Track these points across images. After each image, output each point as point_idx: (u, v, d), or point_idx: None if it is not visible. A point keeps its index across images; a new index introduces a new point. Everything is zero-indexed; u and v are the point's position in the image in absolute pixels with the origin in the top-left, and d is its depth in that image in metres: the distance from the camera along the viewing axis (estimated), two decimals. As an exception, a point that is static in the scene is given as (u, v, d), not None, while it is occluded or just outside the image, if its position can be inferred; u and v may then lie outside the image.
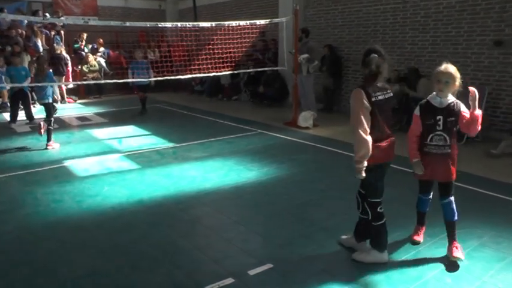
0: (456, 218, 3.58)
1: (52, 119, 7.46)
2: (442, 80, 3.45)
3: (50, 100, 7.44)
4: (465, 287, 3.16)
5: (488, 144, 7.14)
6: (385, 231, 3.49)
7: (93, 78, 13.25)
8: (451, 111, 3.44)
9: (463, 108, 3.42)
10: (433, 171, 3.60)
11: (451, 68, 3.48)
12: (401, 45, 9.52)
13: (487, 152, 6.77)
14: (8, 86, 10.17)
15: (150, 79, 10.12)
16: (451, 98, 3.46)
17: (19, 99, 8.88)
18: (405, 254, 3.63)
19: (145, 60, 10.40)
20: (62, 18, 13.66)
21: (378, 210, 3.44)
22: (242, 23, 9.33)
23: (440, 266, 3.43)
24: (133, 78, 10.01)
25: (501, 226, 4.16)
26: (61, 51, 12.76)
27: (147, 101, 10.84)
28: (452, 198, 3.58)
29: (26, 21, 13.20)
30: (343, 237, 3.83)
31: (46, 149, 7.29)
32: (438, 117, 3.47)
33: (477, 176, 5.75)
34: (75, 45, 14.53)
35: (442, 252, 3.65)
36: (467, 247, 3.73)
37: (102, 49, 14.72)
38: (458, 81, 3.45)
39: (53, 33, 13.63)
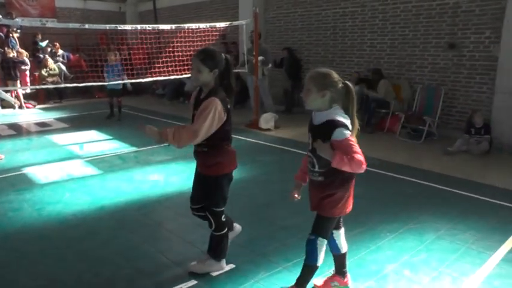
0: (317, 263, 2.87)
1: None
2: (304, 87, 2.75)
3: None
4: (423, 278, 3.28)
5: (444, 142, 7.41)
6: (227, 241, 3.38)
7: (52, 83, 12.94)
8: (320, 132, 2.68)
9: (337, 135, 2.57)
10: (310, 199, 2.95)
11: (314, 72, 2.72)
12: (360, 48, 9.75)
13: (443, 149, 7.01)
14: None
15: (120, 82, 9.73)
16: (329, 115, 2.65)
17: None
18: (365, 249, 3.73)
19: (119, 63, 10.06)
20: (17, 19, 13.29)
21: (222, 219, 3.28)
22: (202, 25, 9.34)
23: (400, 260, 3.54)
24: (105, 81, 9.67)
25: (456, 219, 4.34)
26: (14, 55, 12.38)
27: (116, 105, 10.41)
28: (318, 239, 2.83)
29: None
30: (193, 263, 3.42)
31: None
32: (309, 135, 2.87)
33: (435, 172, 5.96)
34: (40, 44, 14.14)
35: (401, 246, 3.77)
36: (425, 240, 3.87)
37: (61, 52, 14.36)
38: (327, 90, 2.63)
39: (11, 34, 13.23)
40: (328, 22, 10.36)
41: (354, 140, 2.63)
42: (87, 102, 13.64)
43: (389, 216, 4.44)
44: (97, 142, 8.14)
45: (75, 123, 10.11)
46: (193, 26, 9.35)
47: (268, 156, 7.00)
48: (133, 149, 7.50)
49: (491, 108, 7.51)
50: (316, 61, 10.75)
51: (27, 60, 12.71)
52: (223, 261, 3.39)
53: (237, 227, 3.71)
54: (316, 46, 10.75)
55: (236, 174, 5.81)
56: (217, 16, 13.23)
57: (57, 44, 14.41)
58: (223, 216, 3.29)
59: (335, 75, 2.69)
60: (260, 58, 9.19)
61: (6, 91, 11.38)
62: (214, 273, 3.34)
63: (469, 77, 7.97)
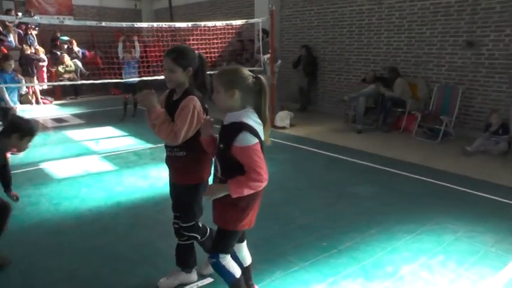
0: (236, 276, 2.60)
1: None
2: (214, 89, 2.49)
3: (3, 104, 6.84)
4: (440, 280, 3.23)
5: (461, 142, 7.30)
6: (194, 250, 3.20)
7: (69, 79, 13.06)
8: (224, 135, 2.44)
9: (240, 139, 2.31)
10: None
11: (221, 70, 2.49)
12: (376, 46, 9.65)
13: (462, 149, 6.92)
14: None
15: (134, 79, 9.67)
16: (237, 117, 2.38)
17: None
18: (381, 250, 3.69)
19: (134, 60, 10.07)
20: (36, 17, 13.46)
21: (201, 227, 3.11)
22: (218, 23, 9.32)
23: (417, 261, 3.50)
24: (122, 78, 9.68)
25: (475, 221, 4.26)
26: (34, 52, 12.55)
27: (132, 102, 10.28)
28: (220, 258, 2.54)
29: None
30: (162, 280, 3.24)
31: None
32: (216, 135, 2.62)
33: (451, 172, 5.88)
34: (62, 38, 14.31)
35: (418, 247, 3.72)
36: (442, 242, 3.82)
37: (76, 49, 14.49)
38: (236, 89, 2.36)
39: (28, 32, 13.39)
40: (345, 20, 10.28)
41: (258, 150, 2.35)
42: (103, 99, 13.75)
43: (405, 216, 4.39)
44: (113, 138, 8.20)
45: (91, 119, 10.20)
46: (210, 23, 9.34)
47: (283, 154, 6.98)
48: (149, 145, 7.53)
49: (511, 107, 7.38)
50: (332, 59, 10.69)
51: (44, 57, 12.86)
52: (194, 272, 3.27)
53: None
54: (332, 44, 10.67)
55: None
56: (232, 14, 13.21)
57: (74, 41, 14.55)
58: (198, 222, 3.06)
59: (244, 71, 2.42)
60: (267, 56, 9.13)
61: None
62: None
63: (488, 76, 7.85)
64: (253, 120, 2.38)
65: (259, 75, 2.43)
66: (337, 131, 8.66)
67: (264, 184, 2.37)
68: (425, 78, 8.79)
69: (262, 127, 2.44)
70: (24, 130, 3.50)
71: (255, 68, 9.49)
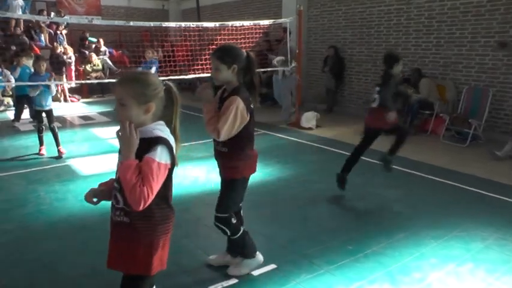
0: None
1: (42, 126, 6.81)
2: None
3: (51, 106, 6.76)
4: (469, 289, 3.15)
5: (491, 146, 7.12)
6: (249, 237, 3.22)
7: (96, 78, 13.26)
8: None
9: (155, 151, 1.91)
10: None
11: (128, 80, 2.04)
12: (405, 47, 9.51)
13: (491, 153, 6.74)
14: (9, 86, 10.29)
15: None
16: (149, 132, 1.98)
17: (24, 98, 8.95)
18: (408, 255, 3.61)
19: (155, 59, 10.14)
20: (66, 17, 13.73)
21: (232, 222, 3.10)
22: (246, 23, 9.32)
23: (444, 268, 3.41)
24: None
25: (505, 228, 4.13)
26: (63, 51, 12.80)
27: None
28: None
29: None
30: (211, 257, 3.44)
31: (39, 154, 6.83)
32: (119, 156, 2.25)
33: (480, 177, 5.74)
34: (90, 39, 14.56)
35: (446, 254, 3.63)
36: (471, 249, 3.72)
37: (104, 48, 14.72)
38: (152, 104, 1.98)
39: (58, 32, 13.68)
40: (373, 20, 10.16)
41: (161, 171, 1.91)
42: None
43: (433, 221, 4.29)
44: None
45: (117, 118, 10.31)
46: (237, 23, 9.35)
47: (310, 155, 6.93)
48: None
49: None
50: (359, 60, 10.58)
51: (72, 56, 13.11)
52: (258, 255, 3.31)
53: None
54: (359, 45, 10.57)
55: (277, 172, 5.90)
56: (259, 14, 13.20)
57: (101, 40, 14.78)
58: (232, 219, 3.10)
59: (155, 79, 2.04)
60: (279, 58, 9.04)
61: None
62: (256, 273, 3.31)
63: (521, 78, 7.65)
64: (168, 135, 2.00)
65: (169, 83, 2.08)
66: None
67: (140, 206, 1.86)
68: (453, 80, 8.62)
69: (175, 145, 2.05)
70: None
71: (283, 68, 9.40)
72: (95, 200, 2.20)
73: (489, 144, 7.31)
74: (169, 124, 2.06)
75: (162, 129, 2.00)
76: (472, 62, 8.30)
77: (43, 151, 6.84)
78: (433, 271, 3.37)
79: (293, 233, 4.03)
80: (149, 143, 1.93)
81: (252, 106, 2.94)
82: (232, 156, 2.99)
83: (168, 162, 1.96)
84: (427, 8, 8.99)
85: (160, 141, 1.94)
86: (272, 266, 3.40)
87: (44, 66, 6.76)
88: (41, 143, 6.87)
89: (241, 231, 3.16)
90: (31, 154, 6.87)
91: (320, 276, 3.28)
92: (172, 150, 1.98)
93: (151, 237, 2.04)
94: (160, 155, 1.91)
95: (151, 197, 1.88)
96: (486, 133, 7.83)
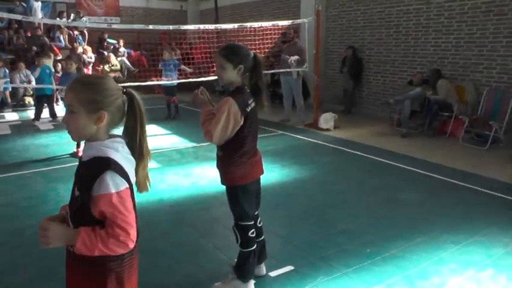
0: None
1: None
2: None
3: None
4: (490, 294, 3.10)
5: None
6: (254, 260, 3.03)
7: (114, 78, 13.38)
8: (82, 176, 1.72)
9: (100, 185, 1.59)
10: None
11: (78, 83, 1.69)
12: (424, 47, 9.41)
13: (512, 157, 6.63)
14: (30, 86, 10.48)
15: (174, 81, 9.65)
16: (100, 150, 1.67)
17: (44, 98, 9.19)
18: (427, 260, 3.56)
19: (175, 58, 10.12)
20: (84, 19, 13.91)
21: (249, 234, 2.97)
22: (265, 24, 9.30)
23: (464, 274, 3.36)
24: (161, 79, 9.77)
25: (527, 233, 4.06)
26: (83, 51, 12.97)
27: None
28: None
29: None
30: (217, 284, 3.16)
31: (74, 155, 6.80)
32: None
33: (501, 181, 5.63)
34: (109, 40, 14.74)
35: (465, 259, 3.58)
36: (492, 255, 3.66)
37: (122, 49, 14.87)
38: (104, 110, 1.66)
39: (76, 33, 13.87)
40: (392, 20, 10.07)
41: (126, 199, 1.64)
42: (147, 97, 13.94)
43: (452, 226, 4.23)
44: (156, 136, 8.32)
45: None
46: (256, 24, 9.34)
47: (327, 156, 6.91)
48: (192, 144, 7.62)
49: None
50: (377, 60, 10.49)
51: (92, 56, 13.29)
52: (251, 283, 3.07)
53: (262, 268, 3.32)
54: (378, 45, 10.48)
55: (294, 173, 5.89)
56: (278, 14, 13.18)
57: (121, 41, 14.93)
58: (250, 231, 2.96)
59: (112, 84, 1.72)
60: (295, 58, 9.01)
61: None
62: (273, 274, 3.31)
63: (544, 79, 7.50)
64: (123, 156, 1.69)
65: (131, 90, 1.77)
66: (382, 135, 8.49)
67: (130, 246, 1.65)
68: (473, 81, 8.49)
69: (134, 165, 1.75)
70: None
71: (301, 69, 9.37)
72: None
73: (510, 147, 7.19)
74: (132, 138, 1.75)
75: (116, 148, 1.68)
76: (493, 63, 8.16)
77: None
78: (452, 276, 3.32)
79: (310, 234, 4.02)
80: (97, 166, 1.61)
81: (248, 110, 2.76)
82: (226, 161, 2.87)
83: (123, 187, 1.63)
84: (447, 7, 8.87)
85: (108, 166, 1.60)
86: (289, 268, 3.39)
87: (73, 66, 6.89)
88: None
89: (252, 248, 3.00)
90: (65, 155, 6.90)
91: (337, 278, 3.26)
92: (125, 173, 1.65)
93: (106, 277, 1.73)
94: (114, 184, 1.60)
95: (134, 231, 1.65)
96: (507, 136, 7.69)
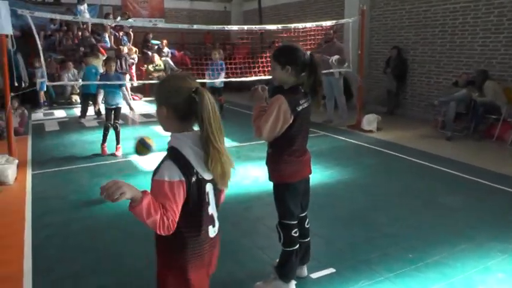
0: None
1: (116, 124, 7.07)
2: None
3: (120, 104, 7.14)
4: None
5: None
6: (296, 260, 3.04)
7: (158, 78, 13.68)
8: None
9: (160, 170, 1.85)
10: None
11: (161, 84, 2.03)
12: (470, 47, 9.13)
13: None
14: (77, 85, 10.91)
15: (217, 80, 9.69)
16: (171, 138, 1.95)
17: (90, 96, 9.60)
18: (472, 268, 3.48)
19: (222, 61, 10.28)
20: (130, 20, 14.27)
21: (291, 234, 2.98)
22: (309, 24, 9.28)
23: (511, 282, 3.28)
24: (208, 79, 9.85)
25: None
26: (129, 51, 13.32)
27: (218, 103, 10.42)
28: None
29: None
30: (258, 283, 3.20)
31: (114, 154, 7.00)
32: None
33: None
34: (153, 41, 15.11)
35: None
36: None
37: (166, 50, 15.16)
38: (158, 101, 1.94)
39: (121, 33, 14.24)
40: (437, 19, 9.83)
41: (173, 190, 1.77)
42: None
43: (499, 234, 4.09)
44: (199, 136, 8.44)
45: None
46: (300, 25, 9.32)
47: (370, 158, 6.84)
48: (235, 144, 7.71)
49: None
50: (422, 61, 10.27)
51: (136, 57, 13.62)
52: (292, 284, 3.08)
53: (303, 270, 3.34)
54: (422, 45, 10.25)
55: (337, 175, 5.88)
56: (321, 14, 13.11)
57: (165, 41, 15.22)
58: (293, 230, 2.99)
59: (173, 84, 1.92)
60: (336, 57, 8.91)
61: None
62: (314, 276, 3.32)
63: None
64: (192, 149, 1.83)
65: (200, 87, 1.86)
66: (425, 137, 8.32)
67: (170, 231, 1.78)
68: (525, 83, 8.19)
69: (204, 160, 1.83)
70: None
71: (344, 70, 9.30)
72: None
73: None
74: (202, 135, 1.84)
75: (182, 139, 1.85)
76: (547, 64, 7.85)
77: (106, 149, 7.05)
78: (500, 287, 3.23)
79: (352, 237, 4.01)
80: (165, 154, 1.86)
81: (298, 109, 2.81)
82: (275, 158, 2.96)
83: (182, 178, 1.78)
84: (497, 5, 8.55)
85: (169, 155, 1.83)
86: (331, 270, 3.40)
87: (114, 66, 7.09)
88: (104, 141, 7.05)
89: (294, 248, 3.01)
90: (109, 155, 7.07)
91: (379, 283, 3.24)
92: (187, 164, 1.80)
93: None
94: (168, 174, 1.78)
95: (176, 218, 1.78)
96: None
